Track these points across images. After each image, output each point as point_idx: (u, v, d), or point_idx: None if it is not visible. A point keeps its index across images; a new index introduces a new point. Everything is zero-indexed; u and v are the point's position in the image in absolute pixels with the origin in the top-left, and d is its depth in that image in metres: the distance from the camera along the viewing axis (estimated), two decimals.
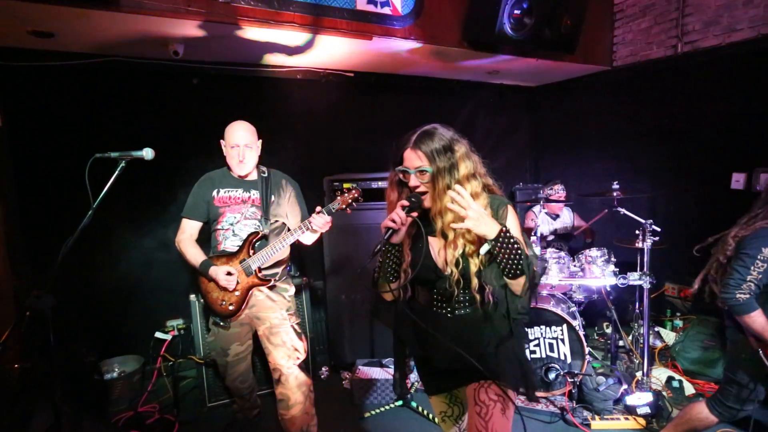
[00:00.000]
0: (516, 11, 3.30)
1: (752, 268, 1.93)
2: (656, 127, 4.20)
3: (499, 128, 5.04)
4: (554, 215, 4.22)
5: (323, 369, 3.53)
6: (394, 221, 1.44)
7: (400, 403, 3.05)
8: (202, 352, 3.05)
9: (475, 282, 1.51)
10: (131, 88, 3.38)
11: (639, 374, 3.17)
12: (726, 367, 2.22)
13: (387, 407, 3.03)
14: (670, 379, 3.18)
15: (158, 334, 3.41)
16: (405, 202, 1.46)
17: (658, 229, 3.03)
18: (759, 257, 1.92)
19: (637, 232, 3.14)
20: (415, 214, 1.48)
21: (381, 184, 3.41)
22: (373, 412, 2.98)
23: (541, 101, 5.26)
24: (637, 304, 3.47)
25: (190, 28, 2.77)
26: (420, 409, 2.95)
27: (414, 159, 1.48)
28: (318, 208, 2.24)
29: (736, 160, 3.58)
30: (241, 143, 2.31)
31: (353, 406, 3.08)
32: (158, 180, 3.31)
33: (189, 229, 2.39)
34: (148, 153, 1.92)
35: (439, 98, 4.63)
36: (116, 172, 1.84)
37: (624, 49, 4.40)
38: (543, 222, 4.15)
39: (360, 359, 3.36)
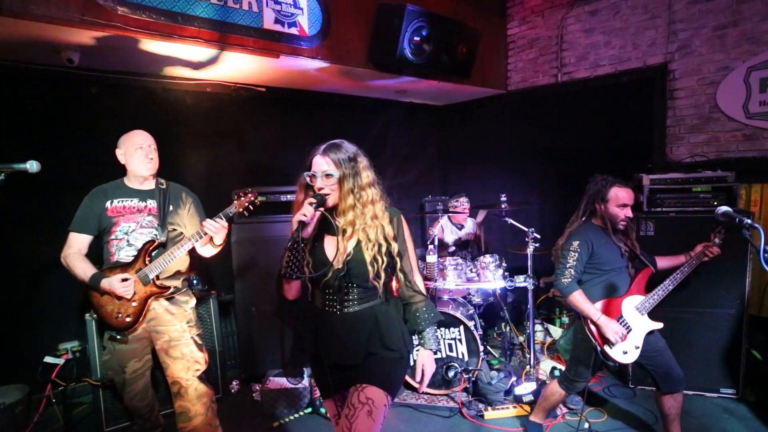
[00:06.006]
0: (416, 38, 3.60)
1: (568, 258, 2.47)
2: (544, 144, 4.75)
3: (410, 144, 5.36)
4: (459, 225, 4.55)
5: (234, 383, 3.50)
6: (305, 215, 1.61)
7: (309, 410, 3.12)
8: (99, 373, 2.90)
9: (371, 271, 1.68)
10: (17, 95, 3.16)
11: (528, 367, 3.53)
12: (570, 348, 2.67)
13: (296, 415, 3.08)
14: (553, 369, 3.58)
15: (48, 359, 3.15)
16: (312, 200, 1.65)
17: (539, 236, 3.43)
18: (571, 249, 2.48)
19: (526, 239, 3.53)
20: (321, 209, 1.68)
21: (290, 197, 3.50)
22: (282, 421, 3.02)
23: (447, 119, 5.68)
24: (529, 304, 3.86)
25: (86, 38, 2.69)
26: (329, 415, 3.04)
27: (322, 164, 1.69)
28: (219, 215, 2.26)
29: (604, 173, 4.13)
30: (146, 144, 2.33)
31: (263, 416, 3.09)
32: (47, 192, 3.13)
33: (77, 244, 2.30)
34: (32, 166, 1.83)
35: (350, 115, 4.82)
36: None
37: (516, 75, 4.93)
38: (450, 232, 4.47)
39: (271, 370, 3.39)
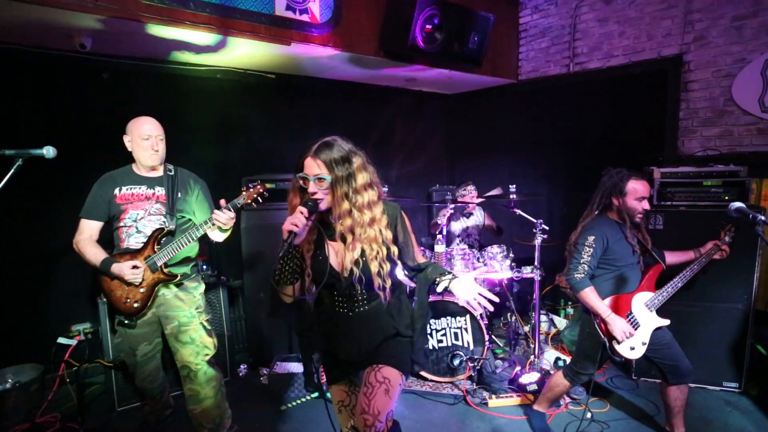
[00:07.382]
0: (427, 26, 3.56)
1: (582, 253, 2.44)
2: (553, 135, 4.71)
3: (418, 133, 5.34)
4: (468, 214, 4.54)
5: (242, 367, 3.56)
6: (295, 225, 1.50)
7: (316, 395, 3.17)
8: (111, 354, 2.97)
9: (377, 282, 1.67)
10: (31, 80, 3.17)
11: (532, 357, 3.56)
12: (576, 340, 2.68)
13: (303, 399, 3.14)
14: (557, 359, 3.61)
15: (61, 340, 3.24)
16: (303, 208, 1.53)
17: (547, 228, 3.43)
18: (585, 244, 2.44)
19: (534, 231, 3.52)
20: (313, 217, 1.58)
21: None
22: (289, 405, 3.08)
23: (456, 109, 5.63)
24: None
25: (98, 23, 2.69)
26: (334, 400, 3.09)
27: (313, 167, 1.57)
28: (222, 201, 2.28)
29: (615, 166, 4.11)
30: (154, 134, 2.33)
31: (270, 400, 3.15)
32: (60, 178, 3.15)
33: (88, 230, 2.33)
34: (49, 151, 1.83)
35: (360, 103, 4.80)
36: (11, 171, 1.77)
37: (527, 65, 4.87)
38: (455, 221, 4.47)
39: (278, 355, 3.44)
